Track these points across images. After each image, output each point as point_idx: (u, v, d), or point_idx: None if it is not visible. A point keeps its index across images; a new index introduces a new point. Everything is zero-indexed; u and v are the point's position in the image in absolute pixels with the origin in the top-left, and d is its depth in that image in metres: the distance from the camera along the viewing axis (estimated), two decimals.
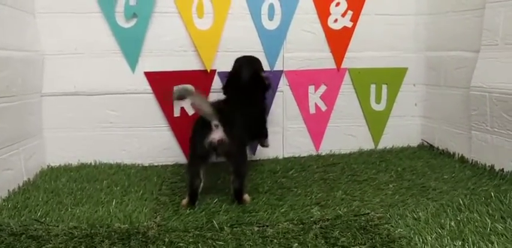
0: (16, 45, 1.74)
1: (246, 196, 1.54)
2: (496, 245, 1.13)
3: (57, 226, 1.31)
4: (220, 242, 1.21)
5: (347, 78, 2.20)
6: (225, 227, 1.31)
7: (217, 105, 1.53)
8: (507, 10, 1.72)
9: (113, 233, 1.26)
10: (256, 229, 1.30)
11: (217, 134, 1.47)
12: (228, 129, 1.48)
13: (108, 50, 1.97)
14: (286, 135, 2.20)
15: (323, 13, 2.11)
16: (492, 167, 1.80)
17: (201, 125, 1.50)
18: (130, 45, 1.98)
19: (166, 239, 1.23)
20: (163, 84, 2.01)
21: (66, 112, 2.00)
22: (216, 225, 1.32)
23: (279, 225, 1.32)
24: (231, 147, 1.49)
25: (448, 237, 1.18)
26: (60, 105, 1.99)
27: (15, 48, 1.72)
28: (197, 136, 1.51)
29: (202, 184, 1.51)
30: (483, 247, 1.13)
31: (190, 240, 1.23)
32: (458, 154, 2.03)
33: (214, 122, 1.47)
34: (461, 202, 1.44)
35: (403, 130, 2.30)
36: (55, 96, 1.98)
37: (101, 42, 1.96)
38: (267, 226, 1.32)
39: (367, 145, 2.27)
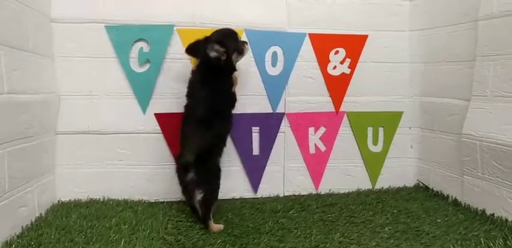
0: (35, 89, 1.85)
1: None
2: None
3: None
4: None
5: (345, 120, 2.32)
6: None
7: None
8: (495, 64, 1.85)
9: None
10: None
11: None
12: None
13: (121, 93, 2.09)
14: (287, 173, 2.29)
15: (323, 60, 2.25)
16: (484, 211, 1.88)
17: None
18: (143, 88, 2.10)
19: None
20: (172, 124, 2.11)
21: (79, 149, 2.10)
22: None
23: None
24: None
25: None
26: (73, 143, 2.08)
27: (34, 92, 1.83)
28: None
29: None
30: None
31: None
32: (452, 197, 2.11)
33: None
34: None
35: (400, 171, 2.39)
36: (69, 134, 2.08)
37: (115, 85, 2.09)
38: None
39: (365, 185, 2.36)
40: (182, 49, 2.09)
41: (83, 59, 2.07)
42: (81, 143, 2.10)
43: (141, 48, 2.08)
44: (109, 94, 2.09)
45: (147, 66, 2.09)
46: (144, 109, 2.12)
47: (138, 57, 2.08)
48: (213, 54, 1.81)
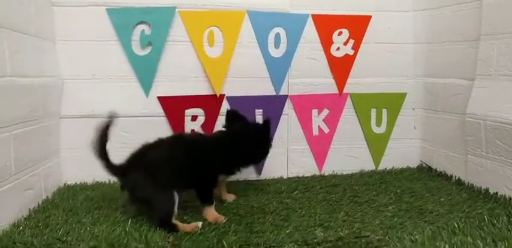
0: (38, 72, 1.85)
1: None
2: None
3: (79, 245, 1.40)
4: None
5: (349, 102, 2.31)
6: None
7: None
8: (500, 43, 1.83)
9: None
10: None
11: None
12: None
13: (124, 76, 2.09)
14: (290, 155, 2.30)
15: (326, 42, 2.23)
16: (487, 190, 1.89)
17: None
18: (145, 71, 2.10)
19: None
20: (175, 107, 2.13)
21: (83, 133, 2.07)
22: (226, 245, 1.40)
23: (284, 246, 1.40)
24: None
25: None
26: (77, 127, 2.09)
27: (36, 75, 1.84)
28: None
29: None
30: None
31: None
32: (455, 177, 2.12)
33: None
34: (456, 225, 1.52)
35: (403, 152, 2.40)
36: (73, 118, 2.09)
37: (117, 69, 2.08)
38: (274, 247, 1.40)
39: (368, 166, 2.37)
40: (184, 31, 2.09)
41: (84, 42, 2.06)
42: (85, 127, 2.08)
43: (143, 30, 2.06)
44: (112, 78, 2.09)
45: (149, 48, 2.08)
46: (147, 93, 2.12)
47: (140, 39, 2.07)
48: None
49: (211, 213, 1.67)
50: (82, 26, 2.05)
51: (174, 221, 1.56)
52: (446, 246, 1.36)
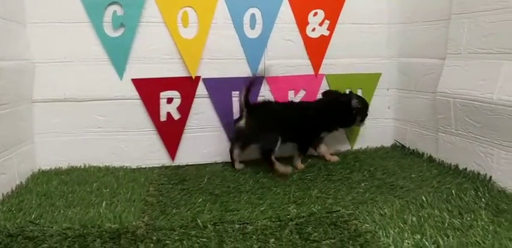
0: (8, 55, 1.81)
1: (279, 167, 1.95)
2: (451, 239, 1.26)
3: (52, 227, 1.40)
4: (204, 239, 1.32)
5: (324, 83, 2.32)
6: (209, 225, 1.41)
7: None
8: (470, 21, 1.86)
9: (104, 233, 1.36)
10: (237, 226, 1.41)
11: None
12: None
13: (96, 58, 2.05)
14: None
15: (302, 22, 2.22)
16: (457, 166, 1.95)
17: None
18: (118, 53, 2.06)
19: (154, 238, 1.34)
20: (150, 90, 2.11)
21: (57, 117, 2.08)
22: (200, 223, 1.42)
23: (258, 222, 1.43)
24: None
25: (409, 231, 1.32)
26: (50, 111, 2.06)
27: (7, 58, 1.80)
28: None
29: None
30: (439, 240, 1.26)
31: (176, 238, 1.34)
32: (427, 154, 2.17)
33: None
34: (424, 199, 1.58)
35: (377, 131, 2.44)
36: (45, 102, 2.05)
37: (89, 51, 2.04)
38: (247, 223, 1.43)
39: (343, 146, 2.41)
40: (157, 12, 2.06)
41: (55, 24, 2.01)
42: (58, 111, 2.07)
43: (115, 11, 2.02)
44: (84, 61, 2.05)
45: (122, 30, 2.04)
46: (120, 75, 2.09)
47: (112, 21, 2.03)
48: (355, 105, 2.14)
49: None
50: (53, 8, 1.99)
51: (274, 159, 1.94)
52: (414, 219, 1.41)
